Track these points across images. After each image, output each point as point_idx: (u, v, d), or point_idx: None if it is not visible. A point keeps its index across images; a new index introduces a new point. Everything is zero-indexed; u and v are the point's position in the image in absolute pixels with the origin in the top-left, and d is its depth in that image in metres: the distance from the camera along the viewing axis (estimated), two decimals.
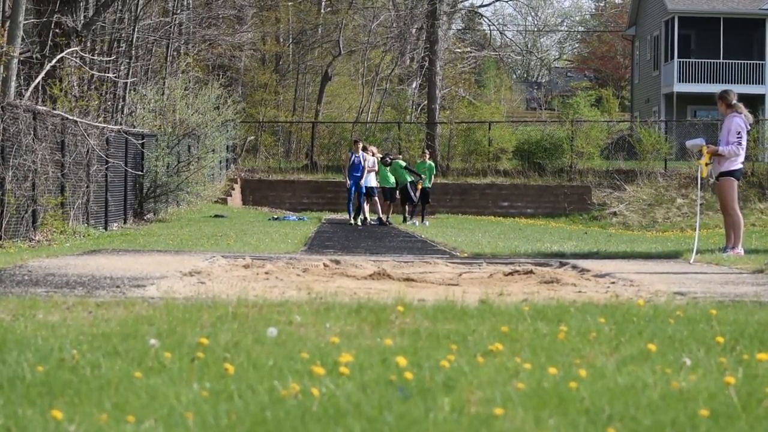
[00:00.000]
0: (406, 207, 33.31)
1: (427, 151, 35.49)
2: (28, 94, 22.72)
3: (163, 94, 35.32)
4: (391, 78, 63.63)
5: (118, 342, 6.13)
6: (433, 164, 34.32)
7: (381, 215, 31.57)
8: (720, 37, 55.46)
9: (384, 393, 4.81)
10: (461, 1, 63.38)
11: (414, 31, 60.96)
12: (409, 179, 32.58)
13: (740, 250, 15.83)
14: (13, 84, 21.96)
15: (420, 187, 32.82)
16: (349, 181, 30.84)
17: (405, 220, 33.01)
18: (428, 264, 14.58)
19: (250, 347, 6.02)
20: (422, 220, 33.01)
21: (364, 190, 30.85)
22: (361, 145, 31.40)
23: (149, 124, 32.73)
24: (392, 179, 32.34)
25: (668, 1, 56.10)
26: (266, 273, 12.45)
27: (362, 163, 30.71)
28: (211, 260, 13.78)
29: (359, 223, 30.92)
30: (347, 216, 31.95)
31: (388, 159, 32.94)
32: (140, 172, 29.58)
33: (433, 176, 33.81)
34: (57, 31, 27.31)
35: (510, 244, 20.32)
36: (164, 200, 31.65)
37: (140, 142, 29.47)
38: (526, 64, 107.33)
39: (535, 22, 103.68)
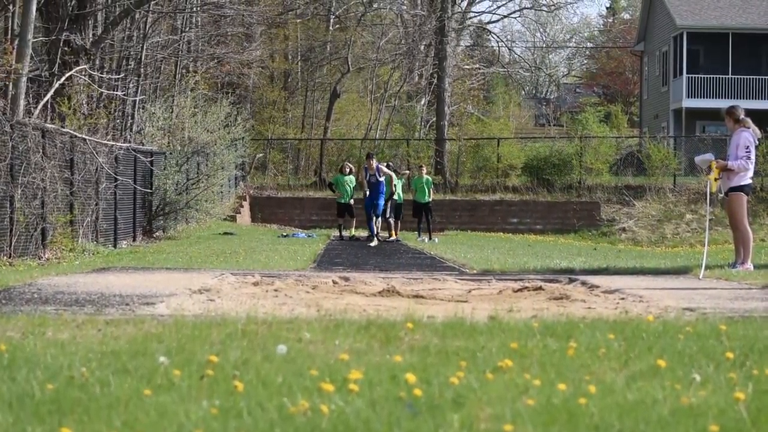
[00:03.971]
0: (420, 223, 33.31)
1: (423, 166, 35.13)
2: (37, 112, 22.76)
3: (172, 111, 35.39)
4: (400, 95, 63.67)
5: (127, 359, 6.14)
6: (430, 179, 34.10)
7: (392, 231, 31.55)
8: (729, 53, 55.44)
9: (393, 410, 4.80)
10: (469, 18, 63.52)
11: (422, 47, 60.97)
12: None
13: (749, 265, 15.81)
14: (22, 102, 22.00)
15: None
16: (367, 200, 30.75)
17: (419, 234, 33.10)
18: (437, 281, 14.57)
19: (260, 364, 6.02)
20: (430, 237, 32.93)
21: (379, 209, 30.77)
22: (373, 161, 31.14)
23: (158, 142, 32.78)
24: (401, 196, 32.23)
25: (677, 17, 56.13)
26: (275, 290, 12.45)
27: (371, 179, 30.61)
28: (220, 278, 13.78)
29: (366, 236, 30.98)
30: (365, 233, 31.83)
31: (388, 165, 32.66)
32: (149, 190, 29.59)
33: (430, 190, 33.57)
34: (66, 49, 27.37)
35: (519, 260, 20.29)
36: (173, 218, 31.66)
37: (149, 159, 29.47)
38: (534, 80, 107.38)
39: (544, 39, 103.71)
